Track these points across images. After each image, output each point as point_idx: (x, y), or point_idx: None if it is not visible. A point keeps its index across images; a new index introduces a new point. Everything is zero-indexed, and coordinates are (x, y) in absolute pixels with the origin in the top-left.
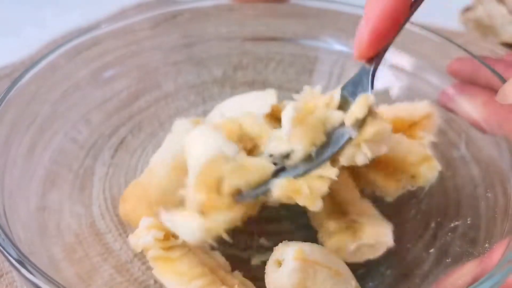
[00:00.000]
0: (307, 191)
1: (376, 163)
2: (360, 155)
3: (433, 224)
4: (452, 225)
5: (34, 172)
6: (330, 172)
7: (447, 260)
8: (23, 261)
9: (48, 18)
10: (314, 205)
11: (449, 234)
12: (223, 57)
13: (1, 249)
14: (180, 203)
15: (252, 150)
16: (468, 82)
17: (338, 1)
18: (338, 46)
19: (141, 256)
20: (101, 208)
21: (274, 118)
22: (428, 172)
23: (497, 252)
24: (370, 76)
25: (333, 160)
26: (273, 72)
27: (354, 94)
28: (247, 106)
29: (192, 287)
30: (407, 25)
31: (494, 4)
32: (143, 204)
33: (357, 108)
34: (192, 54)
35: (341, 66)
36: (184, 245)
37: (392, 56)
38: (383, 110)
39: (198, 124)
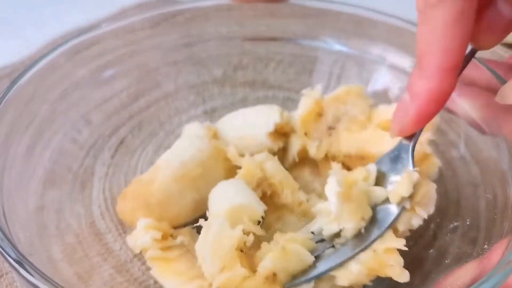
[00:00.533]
0: (394, 264)
1: (367, 160)
2: (416, 218)
3: (432, 225)
4: (451, 225)
5: (34, 172)
6: (397, 243)
7: (447, 261)
8: (22, 261)
9: (48, 18)
10: (403, 276)
11: (449, 234)
12: (223, 57)
13: (0, 249)
14: (180, 212)
15: (271, 196)
16: (468, 83)
17: (337, 1)
18: (338, 46)
19: (140, 256)
20: (101, 208)
21: (278, 135)
22: (429, 168)
23: (496, 253)
24: (410, 153)
25: (394, 230)
26: (273, 72)
27: (393, 170)
28: (253, 123)
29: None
30: (407, 25)
31: None
32: (142, 203)
33: (403, 187)
34: (192, 54)
35: (341, 66)
36: (182, 245)
37: (392, 56)
38: (382, 110)
39: (210, 129)
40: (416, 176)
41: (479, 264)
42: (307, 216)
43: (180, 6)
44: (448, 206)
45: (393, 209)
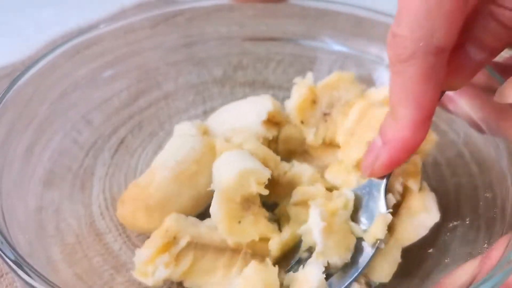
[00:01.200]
0: None
1: None
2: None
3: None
4: (451, 225)
5: (33, 172)
6: None
7: (447, 260)
8: (20, 263)
9: (48, 18)
10: None
11: (449, 234)
12: (223, 57)
13: None
14: (179, 210)
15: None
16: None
17: (337, 1)
18: (337, 46)
19: None
20: (101, 208)
21: (272, 123)
22: (427, 145)
23: (496, 252)
24: (382, 193)
25: None
26: (273, 72)
27: (365, 206)
28: (245, 114)
29: (230, 274)
30: None
31: None
32: (142, 206)
33: (378, 230)
34: (192, 54)
35: (340, 66)
36: (189, 243)
37: None
38: (373, 93)
39: (201, 127)
40: (389, 218)
41: (479, 263)
42: (293, 183)
43: (180, 6)
44: (448, 206)
45: (368, 249)
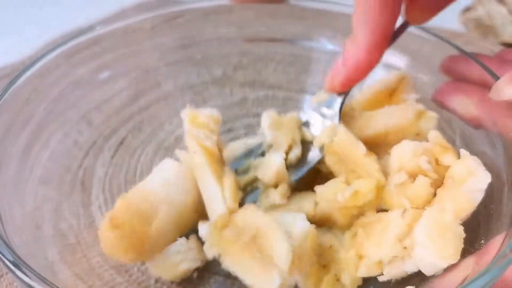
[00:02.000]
0: None
1: (379, 141)
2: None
3: None
4: None
5: (31, 172)
6: None
7: None
8: (18, 263)
9: (48, 18)
10: None
11: None
12: (222, 57)
13: None
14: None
15: None
16: (461, 80)
17: (336, 2)
18: (335, 47)
19: None
20: (101, 209)
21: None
22: (428, 124)
23: (493, 247)
24: (339, 105)
25: None
26: (273, 72)
27: (323, 114)
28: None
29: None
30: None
31: (494, 4)
32: (136, 244)
33: (324, 135)
34: (192, 54)
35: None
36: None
37: (386, 55)
38: (362, 92)
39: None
40: (342, 129)
41: (477, 258)
42: None
43: (180, 7)
44: None
45: (316, 152)
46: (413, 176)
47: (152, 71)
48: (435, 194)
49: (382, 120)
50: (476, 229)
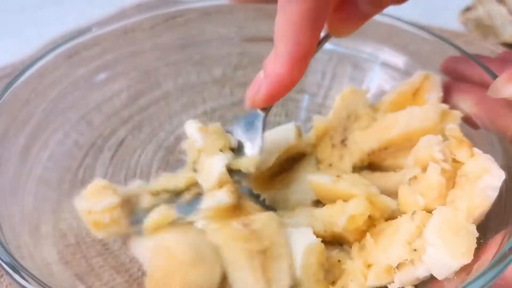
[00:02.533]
0: None
1: (402, 143)
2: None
3: None
4: None
5: (31, 173)
6: None
7: None
8: (14, 265)
9: (48, 18)
10: None
11: None
12: (222, 57)
13: None
14: None
15: None
16: (461, 79)
17: None
18: (332, 46)
19: None
20: None
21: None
22: (453, 123)
23: (492, 247)
24: (261, 122)
25: None
26: None
27: (245, 133)
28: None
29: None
30: (400, 24)
31: (494, 4)
32: None
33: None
34: (192, 54)
35: (334, 65)
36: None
37: (386, 55)
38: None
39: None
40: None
41: (475, 258)
42: None
43: (180, 7)
44: None
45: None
46: (426, 169)
47: (151, 71)
48: (448, 187)
49: (405, 122)
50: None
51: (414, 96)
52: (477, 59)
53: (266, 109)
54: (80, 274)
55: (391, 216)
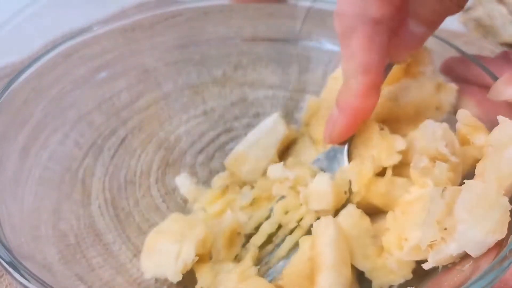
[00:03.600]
0: None
1: (398, 117)
2: None
3: None
4: None
5: (30, 172)
6: None
7: None
8: (15, 264)
9: (48, 18)
10: None
11: None
12: (222, 57)
13: None
14: None
15: None
16: (461, 81)
17: (335, 2)
18: (333, 46)
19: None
20: (101, 209)
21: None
22: (448, 96)
23: (492, 249)
24: (345, 154)
25: None
26: (273, 72)
27: (329, 169)
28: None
29: None
30: None
31: (494, 4)
32: None
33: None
34: (192, 54)
35: (335, 66)
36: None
37: None
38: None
39: None
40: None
41: (476, 260)
42: None
43: (180, 6)
44: None
45: None
46: (434, 160)
47: (151, 70)
48: (459, 178)
49: (399, 95)
50: None
51: (408, 68)
52: (477, 60)
53: (345, 142)
54: (80, 274)
55: (402, 162)
